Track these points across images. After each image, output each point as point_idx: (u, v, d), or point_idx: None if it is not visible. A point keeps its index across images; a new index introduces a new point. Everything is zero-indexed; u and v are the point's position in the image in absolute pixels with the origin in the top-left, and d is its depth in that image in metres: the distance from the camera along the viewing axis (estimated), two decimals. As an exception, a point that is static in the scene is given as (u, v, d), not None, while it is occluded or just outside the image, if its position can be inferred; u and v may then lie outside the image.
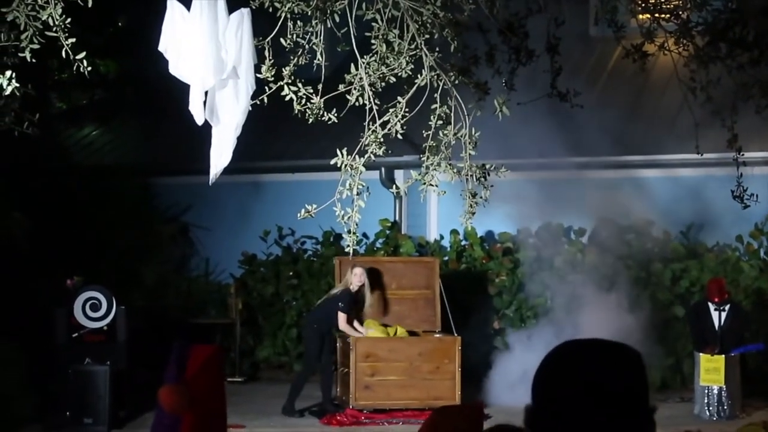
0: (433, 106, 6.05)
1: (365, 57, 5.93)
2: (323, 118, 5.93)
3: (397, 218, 15.35)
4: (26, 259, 13.55)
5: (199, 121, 5.32)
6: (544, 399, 2.12)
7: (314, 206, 5.70)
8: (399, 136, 6.00)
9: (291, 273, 15.34)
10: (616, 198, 13.37)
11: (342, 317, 11.90)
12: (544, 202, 13.45)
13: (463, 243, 14.80)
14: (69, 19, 5.49)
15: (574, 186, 13.65)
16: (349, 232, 5.82)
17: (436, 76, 5.98)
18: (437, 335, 12.26)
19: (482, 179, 5.99)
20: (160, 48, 5.20)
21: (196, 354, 3.68)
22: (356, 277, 12.04)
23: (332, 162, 5.81)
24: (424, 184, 5.98)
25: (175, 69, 5.17)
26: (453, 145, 6.07)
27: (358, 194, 5.75)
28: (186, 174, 15.81)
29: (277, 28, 5.88)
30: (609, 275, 12.94)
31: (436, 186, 6.00)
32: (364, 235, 14.28)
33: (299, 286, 15.29)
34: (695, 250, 13.73)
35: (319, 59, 6.02)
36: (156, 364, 15.21)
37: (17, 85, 5.93)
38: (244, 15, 5.29)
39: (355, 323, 12.12)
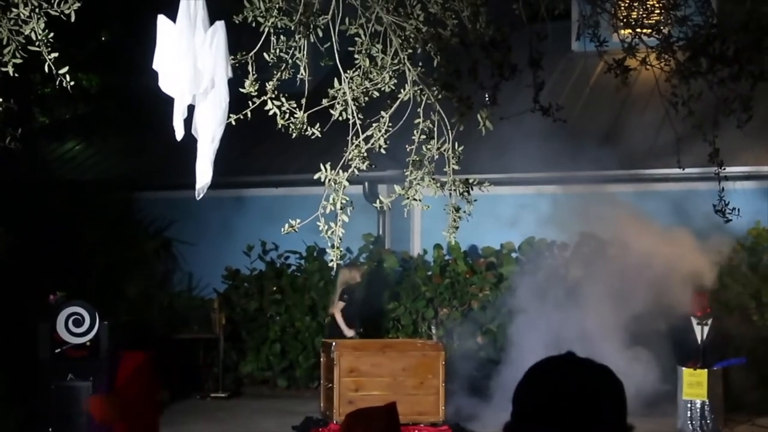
0: (417, 121, 6.05)
1: (348, 72, 5.93)
2: (307, 133, 5.92)
3: (380, 233, 15.35)
4: (8, 274, 13.48)
5: (179, 136, 5.31)
6: (522, 415, 2.14)
7: (298, 221, 5.69)
8: (382, 151, 6.00)
9: (275, 288, 15.32)
10: (598, 213, 13.40)
11: (340, 305, 12.75)
12: (527, 216, 13.47)
13: (446, 257, 14.81)
14: (52, 34, 5.48)
15: (557, 201, 13.67)
16: (332, 246, 5.80)
17: (419, 91, 5.98)
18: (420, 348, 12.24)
19: (465, 193, 6.00)
20: (155, 66, 5.19)
21: (126, 361, 3.66)
22: (359, 274, 13.08)
23: (316, 177, 5.81)
24: (408, 198, 5.98)
25: (165, 85, 5.17)
26: (436, 159, 6.08)
27: (341, 209, 5.74)
28: (169, 189, 15.79)
29: (261, 42, 5.88)
30: (589, 289, 12.95)
31: (420, 200, 6.00)
32: (348, 249, 14.27)
33: (283, 301, 15.27)
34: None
35: (302, 74, 6.01)
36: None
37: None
38: (218, 27, 5.28)
39: (342, 323, 12.66)
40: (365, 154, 5.86)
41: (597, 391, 2.13)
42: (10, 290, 13.55)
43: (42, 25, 5.44)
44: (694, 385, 11.59)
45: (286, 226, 5.71)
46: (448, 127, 6.02)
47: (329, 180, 5.75)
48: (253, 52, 5.88)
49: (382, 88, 5.98)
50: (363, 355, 11.87)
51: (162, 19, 5.25)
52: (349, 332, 12.66)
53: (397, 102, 6.01)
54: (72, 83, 5.50)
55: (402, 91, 6.00)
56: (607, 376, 2.17)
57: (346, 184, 5.77)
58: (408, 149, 6.11)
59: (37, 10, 5.49)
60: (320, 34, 5.90)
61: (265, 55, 5.96)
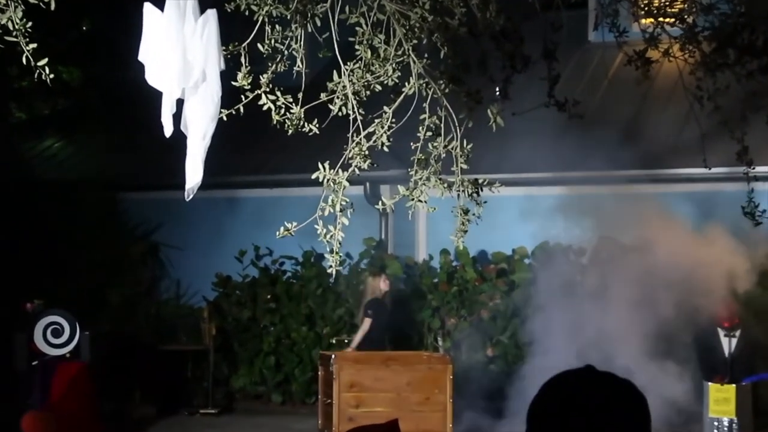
0: (422, 117, 6.06)
1: (349, 64, 5.94)
2: (304, 130, 5.93)
3: (382, 237, 15.37)
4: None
5: (168, 133, 5.32)
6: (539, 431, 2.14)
7: (294, 224, 5.69)
8: (385, 149, 6.01)
9: (269, 296, 15.34)
10: (617, 215, 13.40)
11: (365, 324, 12.83)
12: (542, 219, 13.48)
13: (454, 263, 14.82)
14: (30, 23, 5.49)
15: (572, 202, 13.68)
16: (331, 251, 5.81)
17: (424, 84, 5.99)
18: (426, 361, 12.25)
19: (475, 194, 6.00)
20: (141, 57, 5.20)
21: (61, 373, 3.68)
22: (384, 284, 13.07)
23: (313, 176, 5.81)
24: (412, 199, 5.98)
25: (152, 77, 5.18)
26: (443, 158, 6.09)
27: (341, 211, 5.75)
28: (156, 189, 15.81)
29: (254, 32, 5.89)
30: (607, 297, 12.96)
31: (425, 202, 6.01)
32: (348, 255, 14.28)
33: (278, 310, 15.28)
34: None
35: (299, 66, 6.03)
36: (123, 393, 15.22)
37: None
38: (209, 16, 5.30)
39: (355, 343, 12.79)
40: (367, 153, 5.87)
41: (619, 407, 2.14)
42: (-15, 298, 13.57)
43: (20, 14, 5.45)
44: (721, 402, 11.59)
45: (282, 229, 5.71)
46: (456, 124, 6.03)
47: (328, 180, 5.76)
48: (246, 43, 5.89)
49: (385, 82, 5.99)
50: (364, 368, 11.87)
51: (148, 7, 5.27)
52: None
53: (401, 96, 6.02)
54: (51, 76, 5.51)
55: (406, 84, 6.01)
56: (630, 392, 2.18)
57: (346, 184, 5.78)
58: (413, 147, 6.12)
59: (14, -3, 5.50)
60: (318, 23, 5.92)
61: (259, 46, 5.97)
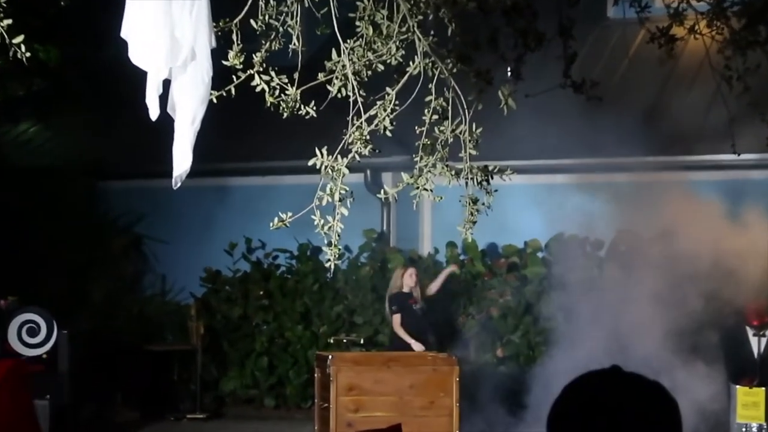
0: (428, 99, 6.06)
1: (349, 41, 5.93)
2: (300, 112, 5.93)
3: (384, 229, 15.37)
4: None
5: (154, 116, 5.31)
6: None
7: (289, 214, 5.69)
8: (388, 133, 6.00)
9: (261, 292, 15.34)
10: (637, 205, 13.40)
11: (396, 319, 12.90)
12: (557, 209, 13.48)
13: (461, 257, 14.82)
14: (4, -2, 5.49)
15: (589, 191, 13.68)
16: (329, 244, 5.81)
17: (430, 64, 5.99)
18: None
19: (484, 182, 6.00)
20: (123, 34, 5.19)
21: None
22: (411, 278, 13.09)
23: (310, 163, 5.81)
24: (417, 188, 5.98)
25: (136, 56, 5.17)
26: (451, 143, 6.08)
27: (340, 200, 5.75)
28: (140, 177, 15.81)
29: (247, 7, 5.88)
30: (626, 293, 12.96)
31: (431, 191, 6.01)
32: (347, 248, 14.29)
33: (271, 307, 15.29)
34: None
35: (295, 44, 6.02)
36: (104, 397, 15.23)
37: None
38: (199, -10, 5.28)
39: (405, 335, 12.88)
40: (368, 137, 5.87)
41: (648, 411, 2.13)
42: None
43: (-7, -12, 5.45)
44: (750, 406, 11.60)
45: (276, 220, 5.71)
46: (465, 106, 6.03)
47: (326, 167, 5.76)
48: (238, 19, 5.88)
49: (388, 61, 5.99)
50: (364, 370, 11.88)
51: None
52: (417, 346, 12.80)
53: (405, 76, 6.01)
54: (28, 54, 5.50)
55: (411, 63, 6.00)
56: (660, 394, 2.17)
57: (346, 171, 5.78)
58: (417, 131, 6.11)
59: (-13, -30, 5.50)
60: (316, -3, 5.91)
61: (252, 22, 5.97)
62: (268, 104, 5.91)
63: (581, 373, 2.20)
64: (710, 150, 13.46)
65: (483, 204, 6.04)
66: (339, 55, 5.90)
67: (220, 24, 5.78)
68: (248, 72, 5.83)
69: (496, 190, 6.07)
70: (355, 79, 5.89)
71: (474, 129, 6.05)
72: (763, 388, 11.60)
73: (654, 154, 14.08)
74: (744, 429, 11.68)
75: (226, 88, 5.77)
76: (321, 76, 5.94)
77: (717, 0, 6.87)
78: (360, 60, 5.94)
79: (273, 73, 5.87)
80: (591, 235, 14.12)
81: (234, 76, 5.81)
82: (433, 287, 13.63)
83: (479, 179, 6.02)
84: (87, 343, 13.64)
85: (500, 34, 6.30)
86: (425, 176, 6.02)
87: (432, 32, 6.08)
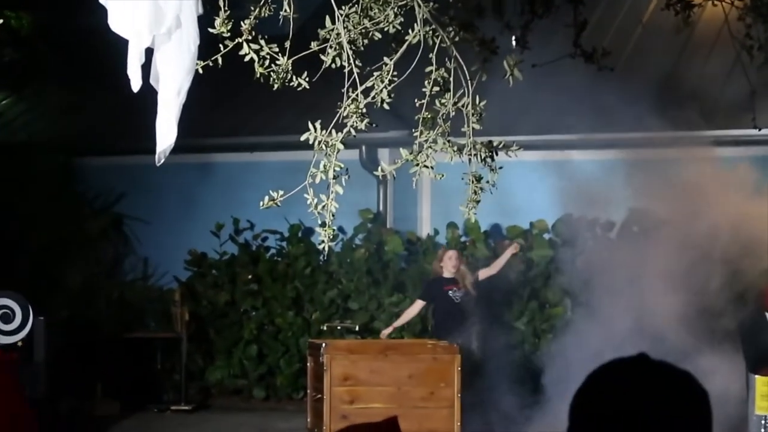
0: (428, 69, 6.05)
1: (343, 8, 5.92)
2: (291, 84, 5.92)
3: (381, 209, 15.37)
4: None
5: (135, 87, 5.30)
6: (583, 428, 2.14)
7: (281, 193, 5.69)
8: (385, 106, 6.00)
9: (250, 276, 15.35)
10: (649, 184, 13.40)
11: (416, 305, 12.89)
12: (566, 188, 13.48)
13: (463, 239, 14.82)
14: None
15: (599, 168, 13.68)
16: (323, 225, 5.81)
17: (431, 32, 5.98)
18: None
19: (489, 159, 6.00)
20: (102, 0, 5.18)
21: None
22: (450, 261, 12.74)
23: (302, 138, 5.81)
24: (417, 165, 5.97)
25: (116, 23, 5.16)
26: (453, 117, 6.08)
27: (334, 178, 5.75)
28: (120, 153, 15.80)
29: (234, -29, 5.87)
30: (638, 277, 12.97)
31: (432, 168, 6.00)
32: (341, 229, 14.28)
33: (260, 292, 15.30)
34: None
35: (286, 11, 6.00)
36: (83, 388, 15.25)
37: None
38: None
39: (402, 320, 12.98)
40: (364, 111, 5.86)
41: (678, 401, 2.13)
42: None
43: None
44: (769, 397, 11.62)
45: (266, 199, 5.71)
46: (468, 77, 6.02)
47: (320, 142, 5.76)
48: (225, -16, 5.86)
49: (385, 29, 5.98)
50: (360, 359, 11.90)
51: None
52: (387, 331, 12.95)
53: (404, 46, 6.01)
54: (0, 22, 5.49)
55: (410, 32, 5.99)
56: (691, 384, 2.17)
57: (341, 147, 5.78)
58: (417, 104, 6.11)
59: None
60: (308, -40, 5.90)
61: (240, -14, 5.95)
62: (258, 75, 5.90)
63: (604, 362, 2.19)
64: (729, 124, 13.46)
65: (487, 182, 6.04)
66: (333, 22, 5.90)
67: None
68: (236, 40, 5.82)
69: (500, 167, 6.07)
70: (351, 49, 5.88)
71: (477, 102, 6.04)
72: (784, 378, 11.62)
73: (668, 128, 14.07)
74: (763, 421, 11.70)
75: (213, 58, 5.76)
76: (314, 45, 5.93)
77: (737, -37, 6.88)
78: (356, 28, 5.93)
79: (263, 42, 5.86)
80: (601, 216, 14.12)
81: (221, 45, 5.80)
82: (492, 270, 13.11)
83: (483, 155, 6.01)
84: (64, 331, 13.65)
85: (506, 1, 6.30)
86: (425, 152, 6.02)
87: (433, -2, 6.08)
